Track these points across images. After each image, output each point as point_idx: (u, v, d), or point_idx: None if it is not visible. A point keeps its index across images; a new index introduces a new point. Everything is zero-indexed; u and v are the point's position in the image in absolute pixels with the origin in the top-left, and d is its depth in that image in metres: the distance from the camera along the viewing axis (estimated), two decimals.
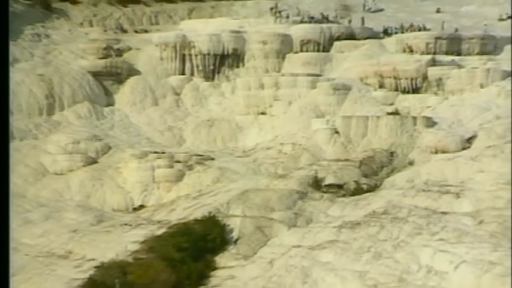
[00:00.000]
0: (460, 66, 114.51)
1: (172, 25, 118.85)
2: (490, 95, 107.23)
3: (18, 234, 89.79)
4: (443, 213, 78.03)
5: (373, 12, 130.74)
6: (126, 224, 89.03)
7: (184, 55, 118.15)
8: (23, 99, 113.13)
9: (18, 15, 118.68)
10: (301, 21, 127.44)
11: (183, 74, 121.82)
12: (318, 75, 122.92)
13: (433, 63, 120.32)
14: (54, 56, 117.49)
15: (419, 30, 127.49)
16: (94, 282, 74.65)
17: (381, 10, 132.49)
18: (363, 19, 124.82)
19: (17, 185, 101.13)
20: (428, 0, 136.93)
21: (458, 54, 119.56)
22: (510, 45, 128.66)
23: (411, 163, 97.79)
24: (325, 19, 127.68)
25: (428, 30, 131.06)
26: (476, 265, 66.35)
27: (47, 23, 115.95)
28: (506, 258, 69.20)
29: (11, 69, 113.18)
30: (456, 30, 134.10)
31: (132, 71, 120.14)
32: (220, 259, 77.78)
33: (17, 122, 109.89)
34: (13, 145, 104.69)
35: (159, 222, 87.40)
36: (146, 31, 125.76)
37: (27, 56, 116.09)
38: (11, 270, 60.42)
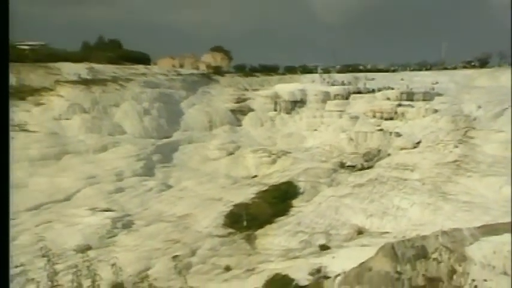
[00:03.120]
0: (413, 106, 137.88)
1: (270, 86, 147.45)
2: (428, 120, 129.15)
3: (206, 191, 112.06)
4: (405, 179, 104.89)
5: (370, 80, 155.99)
6: (248, 184, 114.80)
7: (276, 102, 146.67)
8: (196, 123, 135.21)
9: (197, 82, 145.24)
10: (333, 84, 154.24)
11: (275, 110, 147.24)
12: (342, 111, 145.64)
13: (400, 105, 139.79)
14: (212, 101, 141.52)
15: (393, 89, 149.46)
16: (232, 212, 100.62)
17: (373, 79, 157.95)
18: (364, 83, 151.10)
19: (195, 161, 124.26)
20: (397, 74, 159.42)
21: (412, 100, 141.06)
22: (439, 96, 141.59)
23: (389, 155, 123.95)
24: (346, 83, 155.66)
25: (398, 89, 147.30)
26: (421, 205, 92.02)
27: (209, 85, 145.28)
28: (437, 201, 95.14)
29: (195, 107, 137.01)
30: (411, 89, 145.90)
31: (251, 110, 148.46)
32: (294, 202, 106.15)
33: (192, 134, 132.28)
34: (191, 146, 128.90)
35: (263, 184, 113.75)
36: (257, 90, 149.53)
37: (198, 101, 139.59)
38: None
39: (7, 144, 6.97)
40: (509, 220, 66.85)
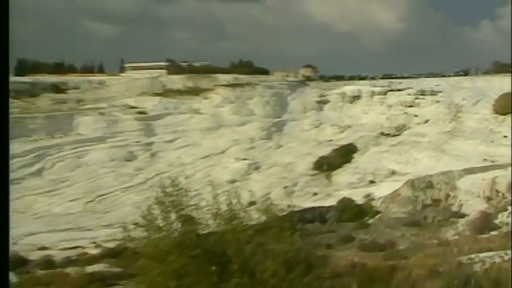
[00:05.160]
0: (424, 99, 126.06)
1: (340, 88, 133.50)
2: (433, 107, 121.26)
3: (302, 148, 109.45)
4: (419, 142, 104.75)
5: (398, 83, 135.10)
6: (327, 145, 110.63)
7: (343, 96, 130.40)
8: (296, 109, 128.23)
9: (296, 85, 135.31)
10: (377, 86, 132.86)
11: (342, 102, 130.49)
12: (382, 102, 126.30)
13: (416, 98, 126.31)
14: (305, 96, 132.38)
15: (412, 88, 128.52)
16: (318, 161, 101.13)
17: (400, 83, 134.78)
18: (396, 85, 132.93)
19: (296, 131, 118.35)
20: (415, 79, 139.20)
21: (423, 95, 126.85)
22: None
23: (410, 128, 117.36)
24: (385, 85, 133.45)
25: (415, 88, 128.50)
26: (429, 157, 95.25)
27: (304, 87, 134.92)
28: (438, 154, 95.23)
29: (295, 100, 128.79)
30: (423, 88, 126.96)
31: (328, 101, 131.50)
32: (354, 155, 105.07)
33: (294, 116, 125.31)
34: (293, 122, 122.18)
35: (336, 144, 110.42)
36: (332, 89, 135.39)
37: (297, 96, 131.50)
38: None
39: (7, 144, 5.41)
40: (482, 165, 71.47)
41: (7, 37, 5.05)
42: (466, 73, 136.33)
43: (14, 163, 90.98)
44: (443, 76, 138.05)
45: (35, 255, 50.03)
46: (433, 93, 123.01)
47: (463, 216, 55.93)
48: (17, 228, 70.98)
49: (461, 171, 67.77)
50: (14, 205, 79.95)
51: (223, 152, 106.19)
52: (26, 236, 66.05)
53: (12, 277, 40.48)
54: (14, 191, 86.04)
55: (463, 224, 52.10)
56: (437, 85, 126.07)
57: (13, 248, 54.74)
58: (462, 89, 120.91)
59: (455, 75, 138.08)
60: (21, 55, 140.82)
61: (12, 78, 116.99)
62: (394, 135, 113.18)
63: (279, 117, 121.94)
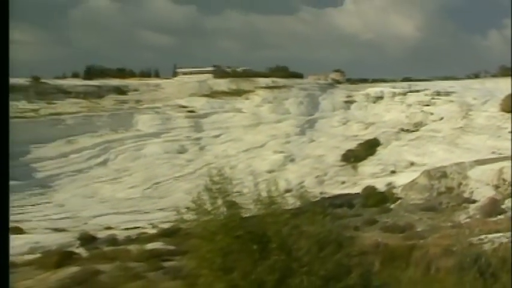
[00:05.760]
0: (439, 99, 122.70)
1: (364, 89, 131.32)
2: (447, 106, 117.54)
3: (331, 142, 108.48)
4: (435, 136, 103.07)
5: (417, 85, 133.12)
6: (353, 139, 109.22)
7: (367, 97, 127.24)
8: (326, 108, 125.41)
9: (327, 87, 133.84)
10: (397, 87, 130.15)
11: (367, 101, 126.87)
12: (402, 102, 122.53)
13: (432, 98, 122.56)
14: (334, 97, 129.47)
15: (429, 90, 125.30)
16: (345, 154, 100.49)
17: (418, 85, 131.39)
18: (414, 87, 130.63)
19: (326, 128, 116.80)
20: (431, 82, 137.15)
21: (439, 95, 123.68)
22: None
23: (427, 124, 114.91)
24: (404, 87, 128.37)
25: (431, 90, 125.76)
26: (443, 150, 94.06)
27: (333, 89, 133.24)
28: (452, 148, 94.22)
29: (325, 100, 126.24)
30: (438, 90, 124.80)
31: (355, 101, 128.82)
32: (377, 148, 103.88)
33: (324, 114, 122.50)
34: (324, 120, 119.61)
35: (361, 139, 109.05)
36: (358, 91, 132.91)
37: (327, 97, 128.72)
38: None
39: (7, 144, 5.02)
40: (490, 157, 70.48)
41: (7, 38, 4.76)
42: (476, 76, 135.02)
43: (83, 155, 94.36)
44: (456, 79, 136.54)
45: (102, 234, 50.56)
46: (447, 93, 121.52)
47: (473, 202, 55.77)
48: (86, 210, 72.13)
49: (472, 163, 67.28)
50: (83, 191, 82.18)
51: (262, 145, 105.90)
52: (93, 218, 66.76)
53: (83, 252, 41.38)
54: (84, 179, 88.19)
55: (473, 209, 51.87)
56: (450, 87, 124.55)
57: (83, 228, 55.79)
58: (473, 90, 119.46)
59: (466, 78, 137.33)
60: (89, 62, 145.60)
61: (82, 82, 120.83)
62: (413, 131, 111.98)
63: (311, 115, 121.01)
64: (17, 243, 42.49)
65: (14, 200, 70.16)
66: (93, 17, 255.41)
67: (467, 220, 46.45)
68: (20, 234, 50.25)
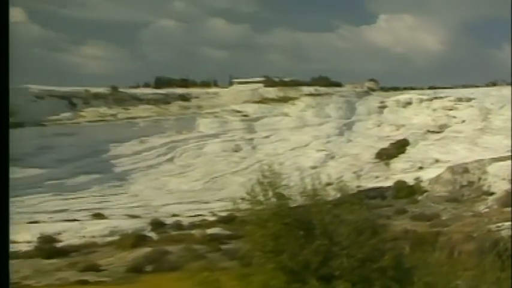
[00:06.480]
0: (461, 104, 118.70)
1: (395, 96, 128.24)
2: (468, 110, 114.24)
3: (366, 142, 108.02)
4: (457, 137, 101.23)
5: (441, 92, 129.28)
6: (385, 140, 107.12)
7: (398, 102, 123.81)
8: (362, 112, 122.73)
9: (362, 94, 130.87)
10: (424, 94, 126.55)
11: (398, 106, 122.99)
12: (428, 107, 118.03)
13: (455, 104, 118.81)
14: (369, 103, 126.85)
15: (451, 96, 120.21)
16: (378, 152, 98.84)
17: (442, 92, 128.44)
18: (440, 94, 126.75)
19: (362, 129, 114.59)
20: (454, 89, 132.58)
21: (461, 101, 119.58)
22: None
23: (450, 126, 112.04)
24: (430, 94, 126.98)
25: (454, 96, 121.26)
26: (465, 148, 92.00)
27: (368, 96, 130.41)
28: (472, 146, 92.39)
29: (361, 105, 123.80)
30: (460, 96, 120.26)
31: (387, 106, 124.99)
32: (407, 148, 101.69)
33: (360, 117, 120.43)
34: (360, 122, 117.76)
35: (392, 139, 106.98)
36: (389, 97, 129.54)
37: (363, 103, 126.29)
38: None
39: (7, 144, 4.52)
40: (506, 155, 68.35)
41: (7, 38, 4.50)
42: (493, 84, 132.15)
43: (153, 153, 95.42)
44: (476, 86, 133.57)
45: (169, 220, 51.43)
46: (468, 99, 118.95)
47: (491, 194, 55.90)
48: (156, 200, 73.05)
49: (490, 160, 67.53)
50: (154, 183, 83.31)
51: (306, 145, 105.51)
52: (162, 206, 67.29)
53: (154, 235, 42.02)
54: (154, 173, 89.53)
55: (491, 200, 52.49)
56: (471, 93, 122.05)
57: (154, 215, 56.51)
58: (491, 96, 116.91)
59: (485, 86, 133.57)
60: (158, 73, 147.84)
61: (152, 91, 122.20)
62: (438, 132, 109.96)
63: (349, 119, 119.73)
64: (99, 227, 43.86)
65: (97, 190, 72.87)
66: (161, 36, 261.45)
67: (486, 210, 46.05)
68: (102, 219, 51.98)
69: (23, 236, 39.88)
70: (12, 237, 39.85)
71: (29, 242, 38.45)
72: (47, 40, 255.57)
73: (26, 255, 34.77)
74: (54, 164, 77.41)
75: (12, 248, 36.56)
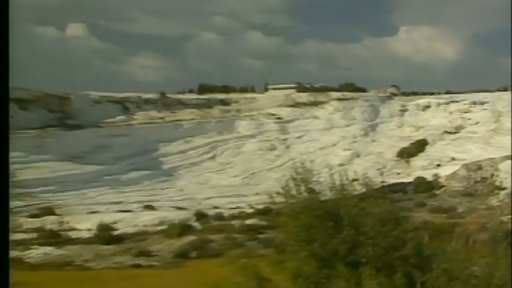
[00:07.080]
0: (475, 107, 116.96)
1: (415, 100, 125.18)
2: (482, 113, 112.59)
3: (388, 142, 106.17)
4: (472, 137, 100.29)
5: (457, 96, 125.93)
6: (406, 140, 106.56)
7: (417, 106, 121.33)
8: (385, 115, 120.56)
9: (385, 99, 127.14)
10: (442, 98, 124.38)
11: (417, 110, 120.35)
12: (445, 110, 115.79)
13: (470, 107, 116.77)
14: (392, 107, 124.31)
15: (466, 100, 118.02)
16: (400, 151, 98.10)
17: (458, 96, 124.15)
18: (456, 98, 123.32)
19: (385, 130, 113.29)
20: (469, 94, 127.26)
21: (475, 105, 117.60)
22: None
23: (465, 127, 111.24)
24: (447, 98, 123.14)
25: (469, 100, 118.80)
26: (479, 148, 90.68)
27: (390, 100, 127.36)
28: (485, 146, 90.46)
29: (384, 109, 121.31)
30: (474, 100, 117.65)
31: (407, 110, 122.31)
32: (425, 147, 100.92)
33: (383, 119, 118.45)
34: (383, 124, 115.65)
35: (412, 139, 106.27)
36: (410, 101, 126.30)
37: (386, 106, 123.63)
38: None
39: (7, 144, 4.26)
40: None
41: (7, 38, 4.30)
42: (505, 89, 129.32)
43: (197, 151, 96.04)
44: (489, 91, 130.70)
45: (211, 212, 51.54)
46: (482, 103, 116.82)
47: (503, 189, 54.63)
48: (199, 194, 73.49)
49: (502, 158, 65.22)
50: (197, 179, 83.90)
51: (334, 144, 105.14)
52: (205, 199, 67.37)
53: (198, 225, 42.23)
54: (198, 170, 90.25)
55: (503, 194, 51.19)
56: (484, 98, 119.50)
57: (198, 207, 56.86)
58: (502, 100, 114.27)
59: (497, 91, 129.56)
60: (201, 81, 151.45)
61: (196, 96, 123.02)
62: (454, 133, 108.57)
63: (373, 121, 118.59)
64: (150, 218, 44.63)
65: (148, 185, 73.88)
66: (204, 47, 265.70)
67: (499, 203, 45.48)
68: (152, 211, 52.65)
69: (84, 225, 40.91)
70: (75, 225, 41.37)
71: (89, 229, 39.26)
72: (104, 52, 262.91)
73: (87, 241, 35.48)
74: (111, 161, 78.54)
75: (76, 235, 38.41)
